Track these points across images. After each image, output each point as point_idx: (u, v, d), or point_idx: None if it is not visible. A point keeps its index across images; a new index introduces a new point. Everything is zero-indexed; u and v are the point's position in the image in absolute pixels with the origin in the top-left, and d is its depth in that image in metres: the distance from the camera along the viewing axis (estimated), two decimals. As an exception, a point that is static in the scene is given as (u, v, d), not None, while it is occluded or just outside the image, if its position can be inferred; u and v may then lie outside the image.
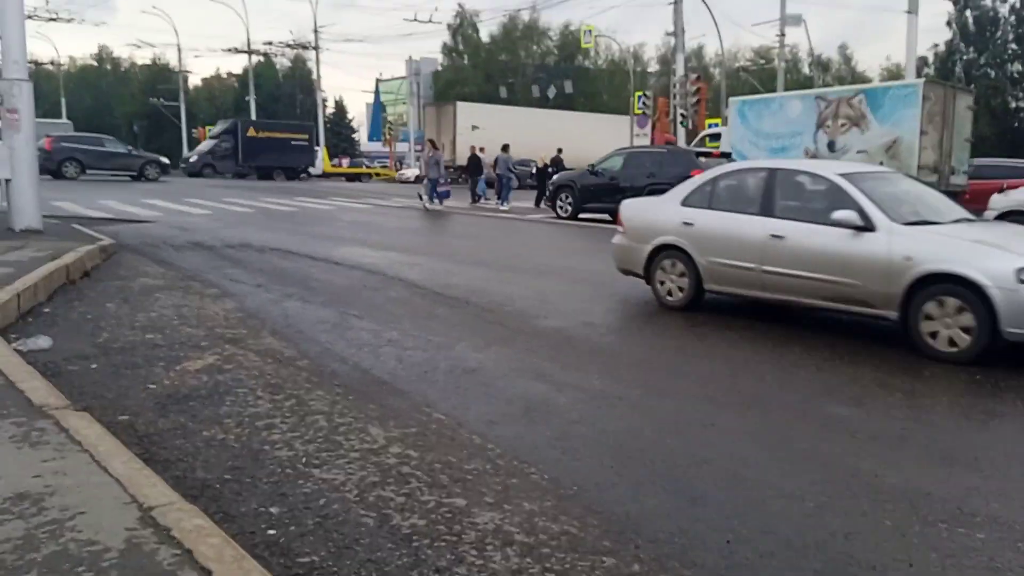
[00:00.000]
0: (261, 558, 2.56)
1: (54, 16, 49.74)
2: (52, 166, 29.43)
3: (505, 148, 22.96)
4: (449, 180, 20.03)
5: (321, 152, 47.73)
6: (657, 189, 16.54)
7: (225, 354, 5.11)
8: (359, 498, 3.06)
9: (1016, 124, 46.83)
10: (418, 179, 37.74)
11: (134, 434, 3.64)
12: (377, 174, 48.35)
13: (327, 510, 2.95)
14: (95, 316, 6.16)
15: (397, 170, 51.46)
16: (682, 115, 29.18)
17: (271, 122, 47.42)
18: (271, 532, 2.78)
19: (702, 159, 16.97)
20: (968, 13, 47.56)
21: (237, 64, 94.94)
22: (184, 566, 2.26)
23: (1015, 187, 14.19)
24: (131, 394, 4.24)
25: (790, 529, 2.94)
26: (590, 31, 46.83)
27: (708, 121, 31.75)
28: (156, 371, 4.68)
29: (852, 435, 3.95)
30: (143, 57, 76.78)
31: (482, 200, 23.54)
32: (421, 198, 23.06)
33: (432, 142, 21.39)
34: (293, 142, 43.03)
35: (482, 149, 25.38)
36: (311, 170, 44.22)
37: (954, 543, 2.85)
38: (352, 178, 46.15)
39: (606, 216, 18.38)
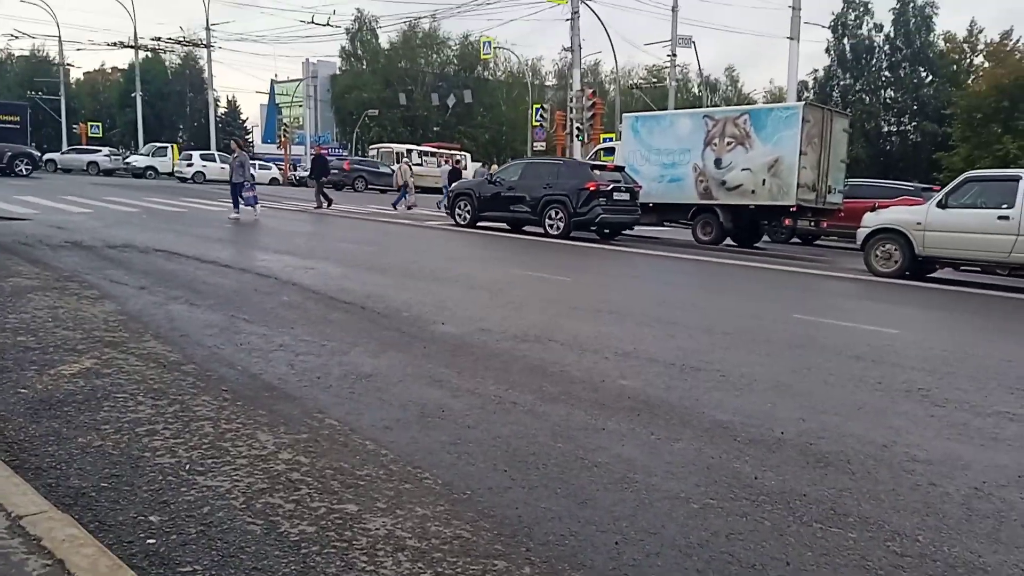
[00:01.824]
0: (139, 568, 2.45)
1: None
2: None
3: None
4: (254, 186, 17.75)
5: (170, 151, 45.50)
6: (553, 199, 16.94)
7: (104, 358, 4.87)
8: (246, 505, 2.98)
9: (888, 147, 49.97)
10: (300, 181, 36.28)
11: (2, 440, 3.42)
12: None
13: (211, 518, 2.85)
14: (-41, 317, 5.76)
15: (292, 171, 50.63)
16: (578, 129, 29.71)
17: None
18: (150, 541, 2.66)
19: (596, 172, 17.36)
20: (846, 41, 50.50)
21: (123, 59, 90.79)
22: (55, 578, 2.14)
23: (885, 206, 15.11)
24: (0, 399, 3.99)
25: (675, 530, 3.03)
26: (489, 43, 47.21)
27: (603, 135, 32.48)
28: (28, 375, 4.42)
29: (733, 439, 4.10)
30: (21, 48, 72.46)
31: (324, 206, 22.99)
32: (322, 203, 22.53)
33: (238, 142, 19.12)
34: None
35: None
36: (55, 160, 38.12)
37: (828, 542, 3.00)
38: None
39: (503, 225, 18.59)
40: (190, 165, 40.17)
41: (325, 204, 22.95)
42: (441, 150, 50.72)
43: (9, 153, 29.66)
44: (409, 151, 48.67)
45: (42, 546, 2.29)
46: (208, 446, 3.55)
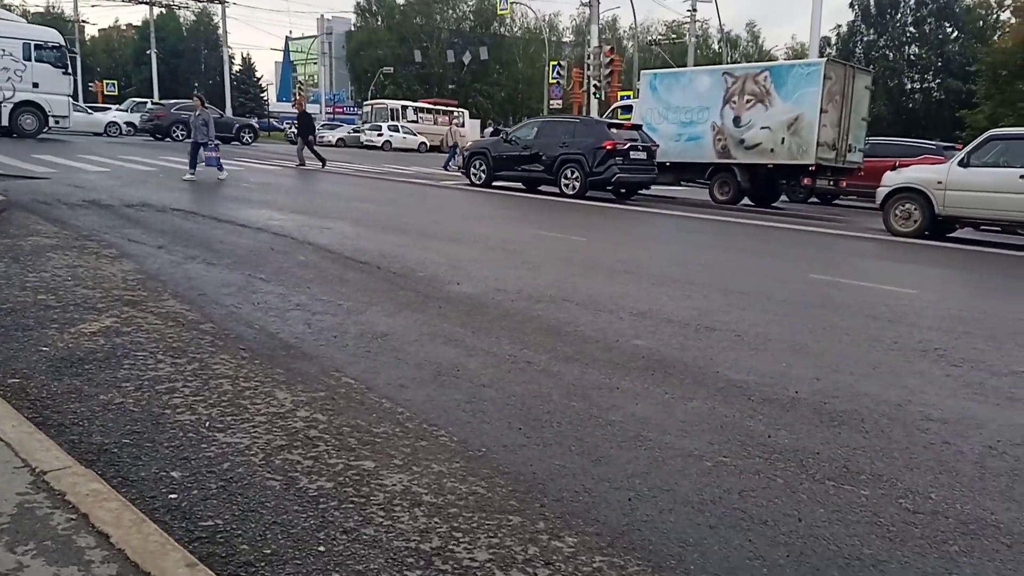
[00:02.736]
0: (162, 522, 2.50)
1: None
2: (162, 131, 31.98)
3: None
4: (217, 145, 16.15)
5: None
6: (569, 158, 16.82)
7: (123, 317, 4.93)
8: (265, 462, 3.03)
9: (911, 105, 49.11)
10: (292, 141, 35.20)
11: (26, 398, 3.49)
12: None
13: (231, 474, 2.91)
14: (-19, 276, 5.83)
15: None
16: (595, 86, 29.40)
17: None
18: (172, 496, 2.72)
19: (613, 130, 17.20)
20: (870, -4, 49.34)
21: (137, 16, 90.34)
22: (80, 530, 2.20)
23: (906, 165, 14.91)
24: (22, 357, 4.05)
25: (688, 487, 3.06)
26: (507, -2, 46.56)
27: (620, 93, 32.13)
28: (49, 333, 4.48)
29: (747, 398, 4.12)
30: (36, 5, 72.32)
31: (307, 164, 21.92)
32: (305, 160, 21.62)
33: (200, 99, 17.21)
34: None
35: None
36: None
37: (840, 499, 3.03)
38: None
39: (518, 184, 18.51)
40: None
41: (319, 163, 21.93)
42: (437, 107, 50.06)
43: (236, 124, 34.33)
44: (404, 107, 48.26)
45: (66, 500, 2.34)
46: (227, 404, 3.60)
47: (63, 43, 27.01)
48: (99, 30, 76.07)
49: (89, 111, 38.87)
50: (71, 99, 27.89)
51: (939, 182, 12.64)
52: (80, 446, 3.04)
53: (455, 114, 42.29)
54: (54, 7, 69.16)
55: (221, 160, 16.24)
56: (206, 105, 17.06)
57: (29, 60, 25.59)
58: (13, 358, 4.02)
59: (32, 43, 25.77)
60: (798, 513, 2.89)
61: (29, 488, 2.42)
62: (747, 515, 2.86)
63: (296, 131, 22.66)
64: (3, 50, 25.00)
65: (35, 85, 25.82)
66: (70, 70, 27.88)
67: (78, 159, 18.58)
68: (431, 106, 50.24)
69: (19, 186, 11.83)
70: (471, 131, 47.16)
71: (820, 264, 10.22)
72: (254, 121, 43.64)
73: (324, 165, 21.93)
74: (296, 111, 24.42)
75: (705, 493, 3.01)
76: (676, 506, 2.90)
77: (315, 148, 22.67)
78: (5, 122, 25.28)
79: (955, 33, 48.46)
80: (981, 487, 3.20)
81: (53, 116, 26.31)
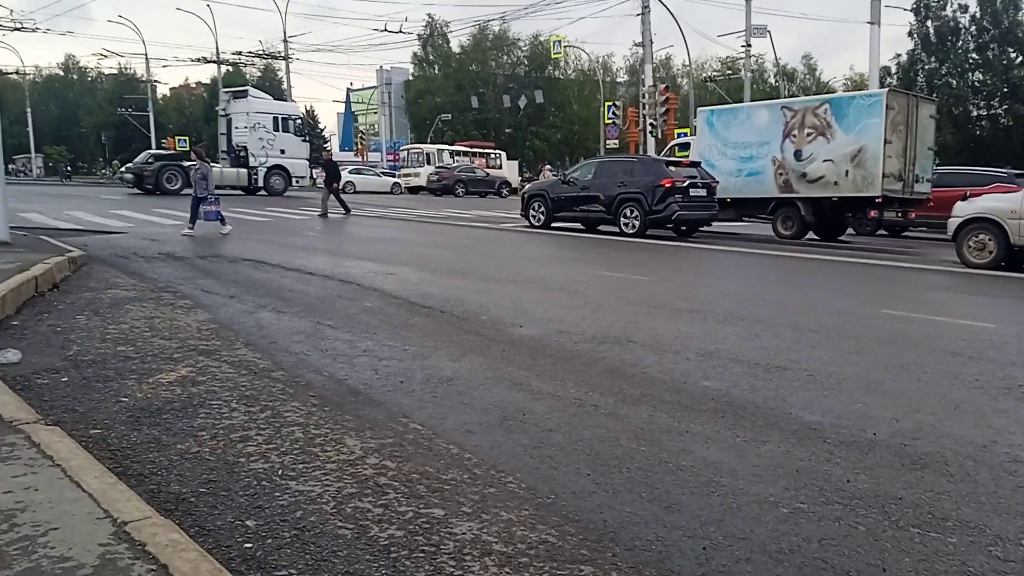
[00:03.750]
0: (238, 572, 2.54)
1: (19, 25, 48.97)
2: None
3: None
4: (217, 200, 15.41)
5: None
6: (628, 197, 16.80)
7: (199, 366, 5.06)
8: (336, 510, 3.05)
9: (978, 132, 47.79)
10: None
11: (106, 448, 3.60)
12: None
13: (304, 522, 2.94)
14: (65, 329, 6.07)
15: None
16: (651, 125, 29.43)
17: None
18: (248, 545, 2.76)
19: (671, 168, 17.14)
20: (929, 24, 48.48)
21: (206, 74, 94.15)
22: (161, 581, 2.24)
23: (977, 195, 14.47)
24: (103, 408, 4.18)
25: (765, 535, 2.97)
26: (559, 41, 47.22)
27: (677, 131, 32.08)
28: (128, 384, 4.63)
29: (823, 441, 4.00)
30: (110, 67, 75.98)
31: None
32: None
33: (199, 153, 16.38)
34: None
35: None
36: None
37: (926, 547, 2.90)
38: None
39: (577, 225, 18.54)
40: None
41: (344, 212, 21.59)
42: (474, 149, 50.21)
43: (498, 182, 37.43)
44: (441, 151, 48.64)
45: (147, 551, 2.39)
46: (299, 451, 3.65)
47: (303, 116, 33.15)
48: (170, 89, 79.37)
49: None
50: (308, 162, 33.88)
51: (1013, 211, 12.23)
52: (159, 495, 3.11)
53: (493, 155, 42.49)
54: (127, 68, 72.44)
55: (222, 213, 15.46)
56: (205, 159, 16.10)
57: (278, 131, 31.20)
58: (95, 409, 4.16)
59: (280, 116, 31.55)
60: (882, 563, 2.78)
61: (111, 539, 2.48)
62: (828, 565, 2.76)
63: (324, 180, 22.25)
64: (259, 123, 30.75)
65: (282, 151, 31.44)
66: (307, 138, 33.48)
67: (153, 212, 19.30)
68: (468, 149, 50.44)
69: (98, 241, 12.34)
70: (509, 172, 47.54)
71: (892, 298, 9.94)
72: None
73: (348, 213, 21.71)
74: (359, 158, 25.08)
75: (783, 542, 2.92)
76: (753, 555, 2.82)
77: (341, 196, 22.28)
78: (261, 183, 30.91)
79: (1020, 58, 47.20)
80: (1079, 533, 3.03)
81: (295, 177, 31.98)
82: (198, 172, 15.54)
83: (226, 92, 34.53)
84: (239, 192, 30.98)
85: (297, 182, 31.75)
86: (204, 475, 3.34)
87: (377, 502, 3.13)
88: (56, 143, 72.99)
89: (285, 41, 53.73)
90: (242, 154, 31.04)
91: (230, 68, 64.20)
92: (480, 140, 58.97)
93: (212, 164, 18.29)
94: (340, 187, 23.09)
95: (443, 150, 49.04)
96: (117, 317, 6.55)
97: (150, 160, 31.82)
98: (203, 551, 2.47)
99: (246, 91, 33.42)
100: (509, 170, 48.38)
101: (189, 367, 5.03)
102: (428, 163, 45.88)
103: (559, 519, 3.05)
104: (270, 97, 34.71)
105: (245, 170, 31.00)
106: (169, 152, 39.88)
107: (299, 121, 32.78)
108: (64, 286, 7.99)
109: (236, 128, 31.63)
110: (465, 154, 48.75)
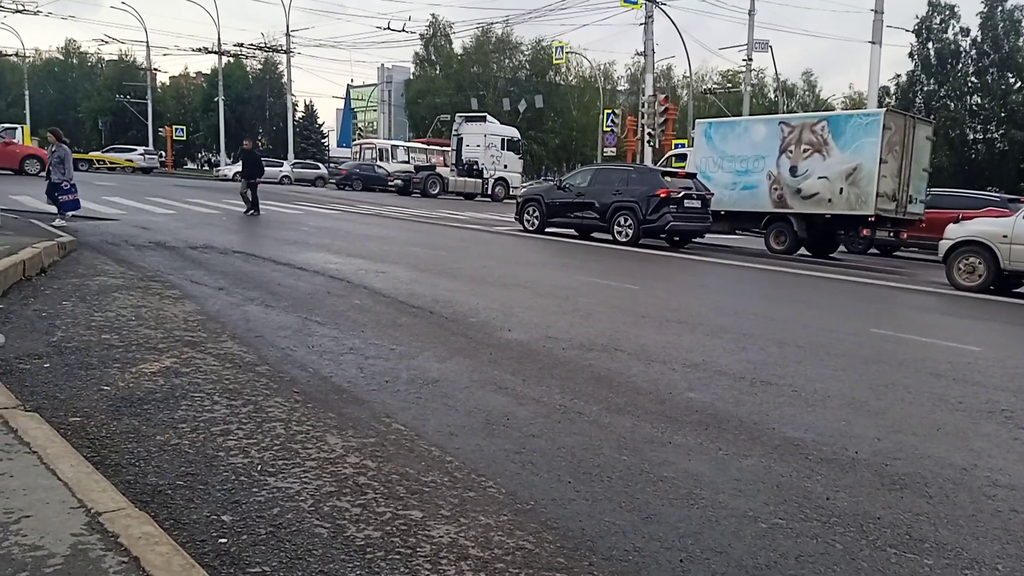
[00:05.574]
0: (211, 567, 2.52)
1: (20, 8, 48.77)
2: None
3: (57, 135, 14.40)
4: (74, 186, 13.46)
5: (20, 132, 36.34)
6: (623, 206, 16.82)
7: (183, 357, 5.04)
8: (314, 508, 3.04)
9: (973, 156, 48.02)
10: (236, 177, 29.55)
11: (85, 436, 3.57)
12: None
13: (280, 519, 2.92)
14: (50, 314, 6.04)
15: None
16: (649, 134, 29.49)
17: None
18: (222, 541, 2.74)
19: (667, 178, 17.18)
20: (930, 45, 48.72)
21: (206, 64, 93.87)
22: (130, 574, 2.22)
23: (969, 218, 14.55)
24: (84, 395, 4.16)
25: (743, 549, 2.97)
26: (562, 47, 47.29)
27: (675, 141, 32.15)
28: (111, 372, 4.60)
29: (805, 457, 4.00)
30: (110, 53, 75.67)
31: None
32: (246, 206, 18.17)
33: (56, 133, 14.19)
34: None
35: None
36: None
37: (903, 568, 2.90)
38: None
39: (571, 231, 18.55)
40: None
41: (252, 210, 18.28)
42: (431, 146, 49.01)
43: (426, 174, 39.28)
44: (395, 147, 47.95)
45: (119, 543, 2.37)
46: (279, 447, 3.63)
47: (520, 137, 41.27)
48: (169, 78, 79.08)
49: None
50: (522, 175, 41.92)
51: (1004, 236, 12.30)
52: (135, 487, 3.09)
53: (448, 153, 41.89)
54: (127, 56, 72.19)
55: (79, 201, 13.74)
56: (63, 139, 14.06)
57: (503, 149, 39.15)
58: (75, 396, 4.13)
59: (505, 138, 39.61)
60: (858, 581, 2.78)
61: (84, 529, 2.45)
62: (804, 581, 2.76)
63: (242, 173, 19.01)
64: (492, 144, 38.66)
65: (505, 166, 39.42)
66: (522, 154, 41.92)
67: (146, 201, 19.22)
68: (424, 145, 49.42)
69: (88, 227, 12.28)
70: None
71: (880, 318, 9.97)
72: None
73: (257, 214, 18.26)
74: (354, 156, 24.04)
75: (760, 557, 2.92)
76: (729, 570, 2.81)
77: (256, 192, 18.60)
78: (490, 191, 38.47)
79: (1018, 83, 47.48)
80: (1055, 560, 3.04)
81: (513, 187, 38.72)
82: (55, 155, 13.67)
83: (460, 116, 40.71)
84: (461, 197, 37.60)
85: (514, 190, 37.58)
86: (182, 468, 3.32)
87: (355, 502, 3.12)
88: (52, 126, 72.56)
89: (287, 35, 53.69)
90: (474, 167, 38.37)
91: (231, 59, 64.08)
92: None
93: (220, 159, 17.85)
94: (260, 181, 19.27)
95: (397, 146, 48.32)
96: (103, 304, 6.51)
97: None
98: (176, 545, 2.45)
99: (484, 116, 40.52)
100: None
101: (173, 358, 5.00)
102: (381, 159, 45.01)
103: (537, 526, 3.04)
104: (497, 122, 41.27)
105: (480, 180, 38.46)
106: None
107: (519, 142, 40.85)
108: (52, 271, 7.94)
109: (467, 146, 38.75)
110: (422, 151, 47.65)
